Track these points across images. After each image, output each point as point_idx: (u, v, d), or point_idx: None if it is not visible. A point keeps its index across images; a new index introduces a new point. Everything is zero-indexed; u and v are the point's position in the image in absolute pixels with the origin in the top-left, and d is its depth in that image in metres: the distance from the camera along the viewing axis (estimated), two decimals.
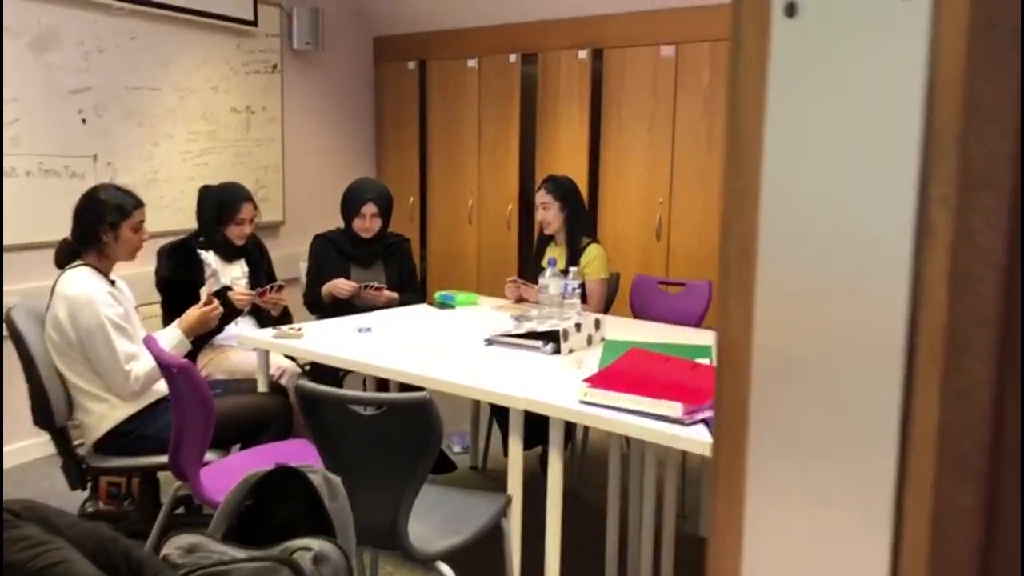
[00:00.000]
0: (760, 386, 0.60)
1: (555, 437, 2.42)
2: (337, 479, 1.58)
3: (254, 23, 4.99)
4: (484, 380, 2.57)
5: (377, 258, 3.99)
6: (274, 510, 1.61)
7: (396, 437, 2.09)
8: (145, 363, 2.80)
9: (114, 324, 2.78)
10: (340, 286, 3.78)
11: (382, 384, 3.61)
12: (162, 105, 4.60)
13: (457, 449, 4.26)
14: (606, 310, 3.91)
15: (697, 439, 2.08)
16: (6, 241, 3.90)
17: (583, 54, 4.90)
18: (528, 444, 2.59)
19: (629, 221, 4.85)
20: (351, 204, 3.92)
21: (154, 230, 3.98)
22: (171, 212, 4.51)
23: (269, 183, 5.29)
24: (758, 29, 0.55)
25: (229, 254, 3.67)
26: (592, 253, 3.86)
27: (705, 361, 2.67)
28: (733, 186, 0.58)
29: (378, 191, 3.95)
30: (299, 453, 2.67)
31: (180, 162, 4.73)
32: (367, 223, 3.87)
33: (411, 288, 4.06)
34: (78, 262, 2.88)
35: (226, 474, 2.61)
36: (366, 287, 3.78)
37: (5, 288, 3.80)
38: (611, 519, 3.05)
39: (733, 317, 0.60)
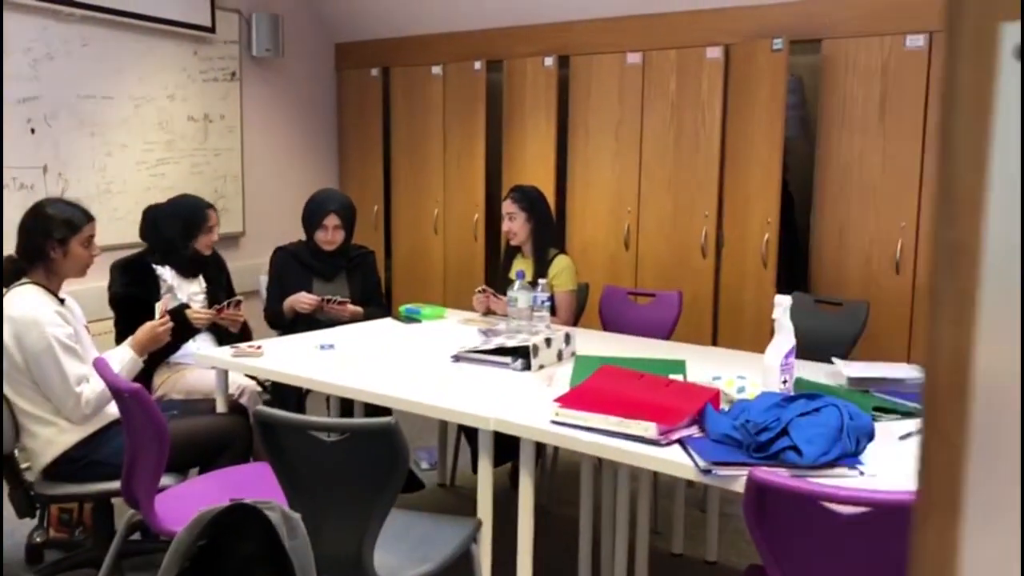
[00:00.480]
0: (978, 466, 0.51)
1: (527, 458, 2.33)
2: (296, 516, 1.49)
3: (212, 30, 4.86)
4: (452, 399, 2.49)
5: (340, 271, 3.88)
6: (230, 550, 1.51)
7: (360, 464, 1.99)
8: (95, 384, 2.67)
9: (63, 345, 2.65)
10: (302, 300, 3.67)
11: (346, 403, 3.50)
12: (116, 114, 4.46)
13: (424, 465, 4.16)
14: (575, 322, 3.85)
15: (674, 460, 2.01)
16: None
17: (549, 61, 4.83)
18: (498, 460, 2.51)
19: (597, 230, 4.79)
20: (312, 216, 3.81)
21: (108, 243, 3.85)
22: (126, 224, 4.34)
23: (228, 193, 5.15)
24: (979, 72, 0.47)
25: (188, 270, 3.55)
26: (560, 264, 3.79)
27: (679, 377, 2.60)
28: (945, 237, 0.50)
29: (340, 202, 3.85)
30: (260, 478, 2.56)
31: (135, 173, 4.58)
32: (329, 235, 3.77)
33: (376, 302, 3.96)
34: (24, 280, 2.74)
35: (182, 501, 2.49)
36: (329, 301, 3.67)
37: None
38: (583, 536, 2.98)
39: (943, 384, 0.52)
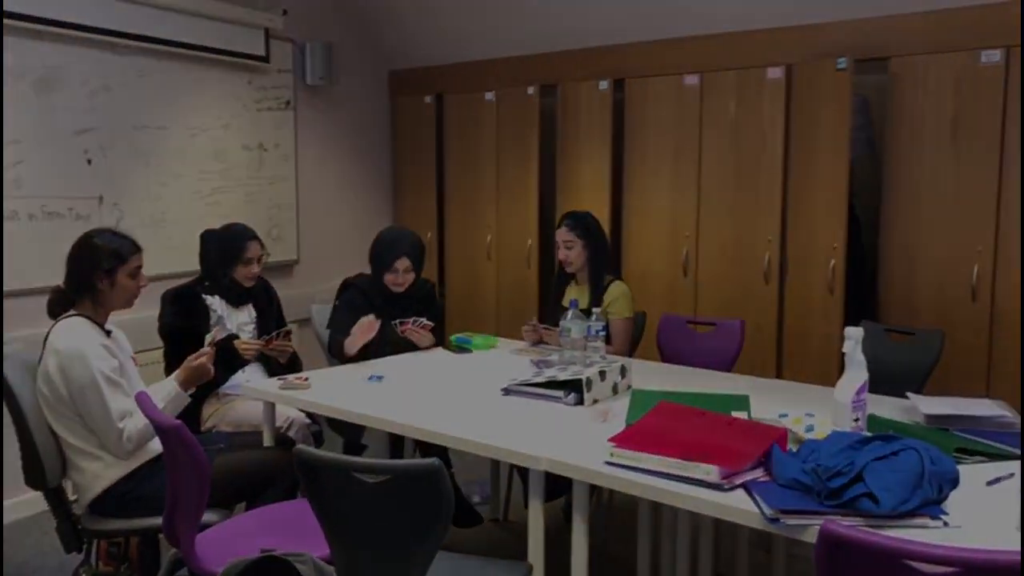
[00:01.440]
0: None
1: (580, 500, 2.21)
2: (330, 569, 1.39)
3: (266, 59, 4.89)
4: (502, 437, 2.37)
5: (410, 313, 3.75)
6: None
7: (404, 507, 1.89)
8: (139, 420, 2.62)
9: (107, 379, 2.61)
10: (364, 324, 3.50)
11: (397, 436, 3.40)
12: (171, 144, 4.49)
13: (476, 499, 4.05)
14: (632, 351, 3.72)
15: (738, 507, 1.87)
16: (8, 287, 3.77)
17: (604, 84, 4.74)
18: (551, 495, 2.39)
19: (654, 257, 4.66)
20: (383, 257, 3.63)
21: (162, 272, 3.86)
22: (180, 254, 4.35)
23: (283, 222, 5.15)
24: None
25: (237, 299, 3.51)
26: (616, 291, 3.67)
27: (742, 415, 2.45)
28: None
29: (412, 243, 3.67)
30: (303, 517, 2.47)
31: (190, 202, 4.60)
32: (400, 278, 3.61)
33: (439, 333, 3.83)
34: (71, 312, 2.72)
35: (223, 541, 2.42)
36: (415, 322, 3.55)
37: (8, 335, 3.67)
38: None
39: None
